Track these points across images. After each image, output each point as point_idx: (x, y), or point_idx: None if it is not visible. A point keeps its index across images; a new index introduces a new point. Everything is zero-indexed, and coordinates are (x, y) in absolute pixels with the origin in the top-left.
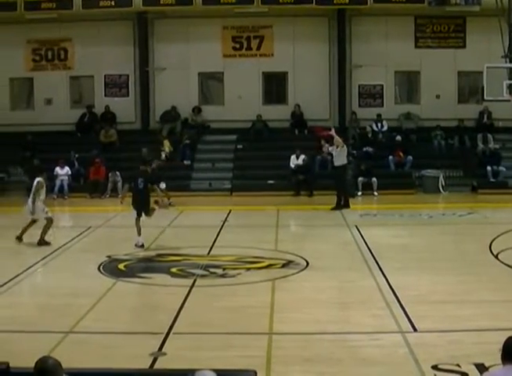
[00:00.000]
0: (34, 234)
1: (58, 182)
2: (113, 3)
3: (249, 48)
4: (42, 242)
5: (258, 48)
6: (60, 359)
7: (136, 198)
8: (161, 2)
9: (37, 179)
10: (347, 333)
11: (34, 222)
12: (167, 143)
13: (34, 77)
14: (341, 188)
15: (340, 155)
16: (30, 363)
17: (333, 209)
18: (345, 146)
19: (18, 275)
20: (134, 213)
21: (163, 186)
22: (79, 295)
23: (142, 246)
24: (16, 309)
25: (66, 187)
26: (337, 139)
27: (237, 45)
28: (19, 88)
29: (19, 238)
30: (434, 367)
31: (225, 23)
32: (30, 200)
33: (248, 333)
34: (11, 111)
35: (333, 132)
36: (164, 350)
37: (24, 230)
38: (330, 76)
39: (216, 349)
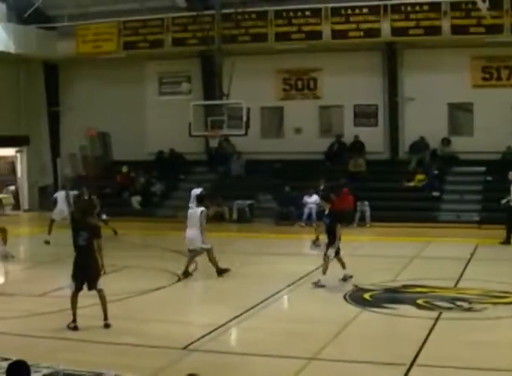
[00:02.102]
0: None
1: (306, 210)
2: (361, 34)
3: (499, 78)
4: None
5: (508, 78)
6: None
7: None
8: (410, 33)
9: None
10: None
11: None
12: (419, 177)
13: (284, 107)
14: None
15: None
16: None
17: None
18: None
19: (265, 299)
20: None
21: None
22: (324, 322)
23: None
24: (262, 333)
25: (314, 215)
26: None
27: (487, 76)
28: (270, 117)
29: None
30: None
31: (474, 53)
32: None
33: (494, 369)
34: (261, 139)
35: None
36: None
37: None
38: None
39: None
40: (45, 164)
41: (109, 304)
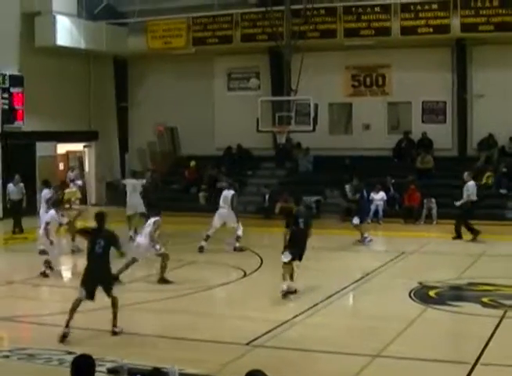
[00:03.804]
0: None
1: (373, 207)
2: (431, 30)
3: None
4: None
5: None
6: None
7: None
8: (479, 29)
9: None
10: None
11: None
12: (488, 175)
13: (352, 103)
14: None
15: None
16: None
17: None
18: None
19: (330, 296)
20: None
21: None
22: (389, 319)
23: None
24: (326, 330)
25: (381, 212)
26: None
27: None
28: (338, 113)
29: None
30: None
31: None
32: None
33: None
34: (330, 135)
35: None
36: None
37: None
38: None
39: None
40: (113, 159)
41: (176, 298)
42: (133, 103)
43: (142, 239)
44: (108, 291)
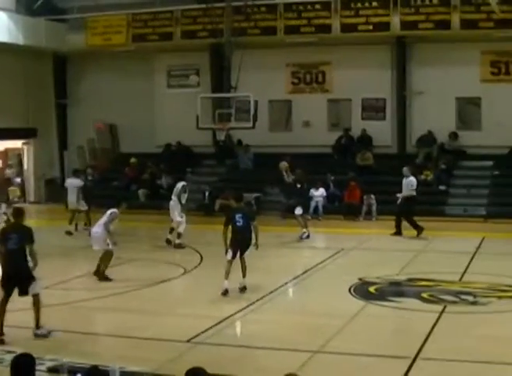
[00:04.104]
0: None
1: (313, 204)
2: (371, 27)
3: (507, 72)
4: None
5: None
6: None
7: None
8: (419, 27)
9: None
10: None
11: None
12: (428, 172)
13: (292, 100)
14: None
15: None
16: None
17: None
18: None
19: (270, 292)
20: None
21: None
22: (329, 316)
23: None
24: (266, 326)
25: (320, 208)
26: None
27: (496, 70)
28: (279, 110)
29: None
30: None
31: (483, 48)
32: None
33: (498, 363)
34: (270, 132)
35: None
36: (410, 375)
37: None
38: None
39: None
40: (52, 156)
41: (114, 296)
42: (73, 100)
43: (96, 229)
44: (25, 288)
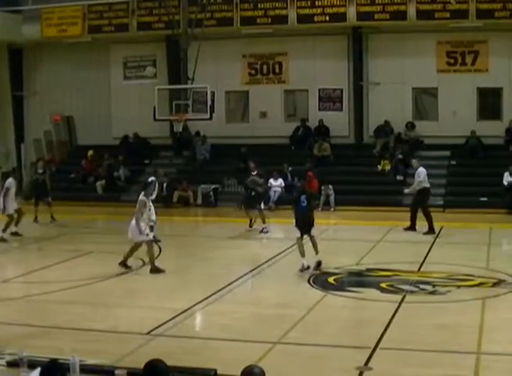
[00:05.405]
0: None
1: (272, 193)
2: (327, 18)
3: (463, 63)
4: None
5: (473, 63)
6: (267, 369)
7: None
8: (375, 17)
9: (140, 198)
10: None
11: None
12: (385, 162)
13: (249, 91)
14: None
15: None
16: (236, 371)
17: None
18: None
19: (230, 284)
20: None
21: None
22: (288, 306)
23: (308, 268)
24: (226, 318)
25: (275, 198)
26: None
27: (452, 60)
28: (235, 102)
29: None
30: None
31: (439, 38)
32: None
33: (456, 352)
34: (227, 123)
35: None
36: (370, 365)
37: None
38: None
39: (423, 366)
40: (8, 149)
41: (73, 289)
42: (29, 92)
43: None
44: None
